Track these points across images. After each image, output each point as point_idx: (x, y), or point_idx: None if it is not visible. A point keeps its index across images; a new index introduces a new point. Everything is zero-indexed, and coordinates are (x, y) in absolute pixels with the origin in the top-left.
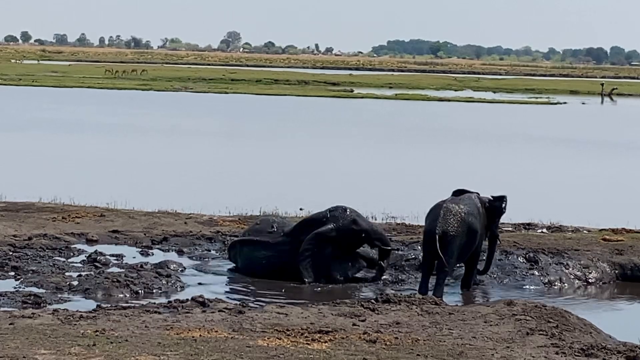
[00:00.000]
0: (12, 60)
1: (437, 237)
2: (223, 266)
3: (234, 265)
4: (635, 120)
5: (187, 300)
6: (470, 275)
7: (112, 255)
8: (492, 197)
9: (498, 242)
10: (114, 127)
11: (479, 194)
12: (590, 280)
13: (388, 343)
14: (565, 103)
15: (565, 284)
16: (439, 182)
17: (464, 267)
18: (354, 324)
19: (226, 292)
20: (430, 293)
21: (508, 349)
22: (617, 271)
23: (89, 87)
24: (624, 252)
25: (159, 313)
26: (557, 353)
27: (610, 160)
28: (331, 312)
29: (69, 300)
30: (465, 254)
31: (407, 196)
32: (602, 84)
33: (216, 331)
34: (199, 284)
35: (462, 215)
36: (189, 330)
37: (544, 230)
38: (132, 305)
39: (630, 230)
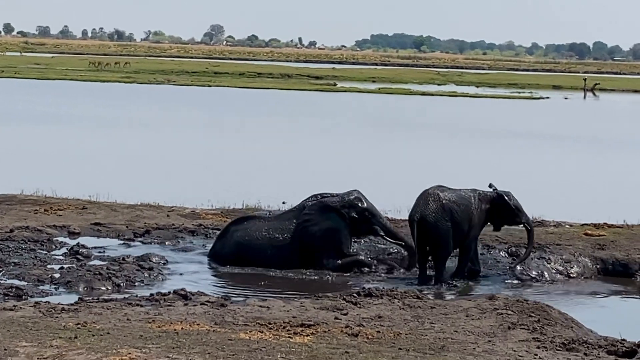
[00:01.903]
0: None
1: (415, 222)
2: (205, 259)
3: (219, 256)
4: (618, 116)
5: (169, 293)
6: (462, 266)
7: (94, 248)
8: (497, 193)
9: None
10: (96, 120)
11: (477, 190)
12: (572, 275)
13: (370, 337)
14: (547, 98)
15: (547, 279)
16: (421, 175)
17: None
18: (336, 318)
19: (208, 285)
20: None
21: (490, 343)
22: (598, 266)
23: (71, 79)
24: (605, 247)
25: (141, 306)
26: (538, 347)
27: (593, 155)
28: (313, 306)
29: (51, 293)
30: (454, 242)
31: (390, 189)
32: (585, 79)
33: (198, 324)
34: (181, 276)
35: (443, 202)
36: (171, 323)
37: None
38: (114, 298)
39: (612, 225)
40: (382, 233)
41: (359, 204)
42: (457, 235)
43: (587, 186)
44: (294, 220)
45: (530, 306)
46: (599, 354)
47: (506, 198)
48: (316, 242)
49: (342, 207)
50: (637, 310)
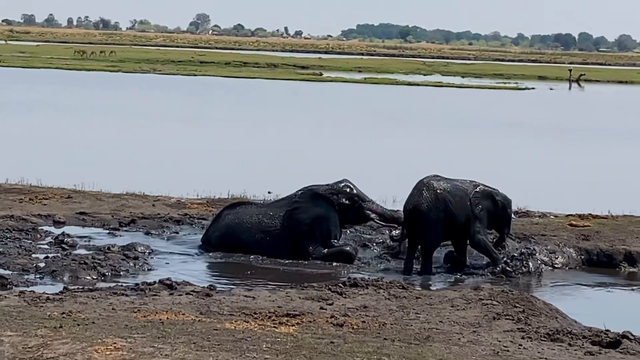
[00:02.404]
0: None
1: (407, 211)
2: (191, 249)
3: (210, 240)
4: (603, 107)
5: (155, 282)
6: (493, 261)
7: (80, 237)
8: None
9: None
10: (82, 109)
11: (478, 184)
12: (556, 266)
13: (355, 327)
14: (533, 88)
15: (532, 269)
16: (407, 166)
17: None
18: (321, 308)
19: (194, 274)
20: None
21: (474, 334)
22: (583, 256)
23: (57, 68)
24: (590, 238)
25: (126, 295)
26: (523, 338)
27: (578, 146)
28: (299, 296)
29: (36, 282)
30: (446, 234)
31: (376, 179)
32: (570, 70)
33: (183, 314)
34: (167, 266)
35: (438, 192)
36: (156, 312)
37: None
38: (99, 287)
39: (597, 215)
40: (373, 217)
41: (348, 190)
42: (452, 227)
43: (572, 177)
44: (285, 208)
45: (515, 297)
46: (583, 345)
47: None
48: (305, 229)
49: (332, 194)
50: (621, 300)
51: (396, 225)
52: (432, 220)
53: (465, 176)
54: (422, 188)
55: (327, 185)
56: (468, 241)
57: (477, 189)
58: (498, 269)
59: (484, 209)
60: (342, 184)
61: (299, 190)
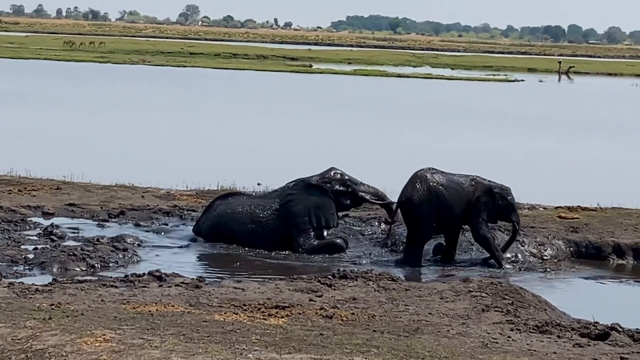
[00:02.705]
0: None
1: (400, 203)
2: (180, 240)
3: (201, 229)
4: (592, 99)
5: (144, 274)
6: (495, 258)
7: (69, 229)
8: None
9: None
10: (71, 100)
11: (475, 177)
12: (545, 257)
13: (344, 319)
14: (522, 81)
15: (521, 261)
16: (396, 156)
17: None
18: (310, 300)
19: (183, 266)
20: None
21: (464, 325)
22: (572, 248)
23: (46, 59)
24: (579, 230)
25: (116, 287)
26: (512, 329)
27: (567, 138)
28: (288, 288)
29: (25, 274)
30: (438, 227)
31: (365, 171)
32: (560, 62)
33: (173, 306)
34: (156, 258)
35: (431, 185)
36: (146, 304)
37: None
38: (88, 279)
39: (586, 207)
40: (368, 197)
41: (340, 177)
42: (446, 221)
43: (561, 169)
44: (277, 200)
45: (504, 289)
46: (571, 337)
47: (504, 193)
48: (301, 220)
49: (324, 183)
50: (610, 292)
51: (391, 205)
52: (424, 213)
53: (454, 168)
54: (416, 180)
55: (317, 175)
56: (472, 235)
57: (474, 183)
58: (501, 270)
59: (483, 203)
60: (332, 172)
61: (291, 182)
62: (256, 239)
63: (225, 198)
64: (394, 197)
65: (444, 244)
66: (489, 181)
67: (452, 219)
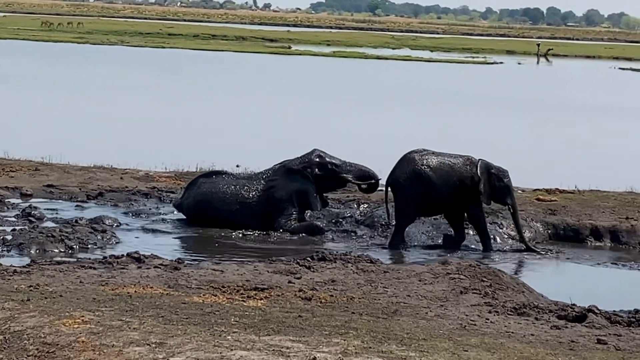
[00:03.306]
0: None
1: (387, 184)
2: (159, 222)
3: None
4: (570, 81)
5: (123, 256)
6: (484, 241)
7: (47, 210)
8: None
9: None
10: (49, 80)
11: (470, 158)
12: None
13: (323, 301)
14: (501, 63)
15: (499, 244)
16: (374, 138)
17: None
18: (289, 282)
19: (162, 248)
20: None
21: (442, 307)
22: (550, 231)
23: (23, 39)
24: (557, 212)
25: (94, 269)
26: (490, 312)
27: (545, 121)
28: (267, 269)
29: (3, 255)
30: (426, 209)
31: (344, 152)
32: (538, 45)
33: (151, 287)
34: (135, 239)
35: (417, 167)
36: (124, 286)
37: None
38: (67, 260)
39: (564, 190)
40: (350, 178)
41: (320, 160)
42: (435, 203)
43: (539, 151)
44: (262, 182)
45: (482, 271)
46: (549, 319)
47: (501, 175)
48: (284, 205)
49: (305, 168)
50: (588, 275)
51: (372, 182)
52: (409, 195)
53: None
54: (404, 162)
55: (299, 158)
56: (467, 215)
57: (469, 162)
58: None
59: (476, 179)
60: (314, 155)
61: (276, 165)
62: (238, 220)
63: (210, 176)
64: (382, 177)
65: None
66: (486, 161)
67: (442, 200)
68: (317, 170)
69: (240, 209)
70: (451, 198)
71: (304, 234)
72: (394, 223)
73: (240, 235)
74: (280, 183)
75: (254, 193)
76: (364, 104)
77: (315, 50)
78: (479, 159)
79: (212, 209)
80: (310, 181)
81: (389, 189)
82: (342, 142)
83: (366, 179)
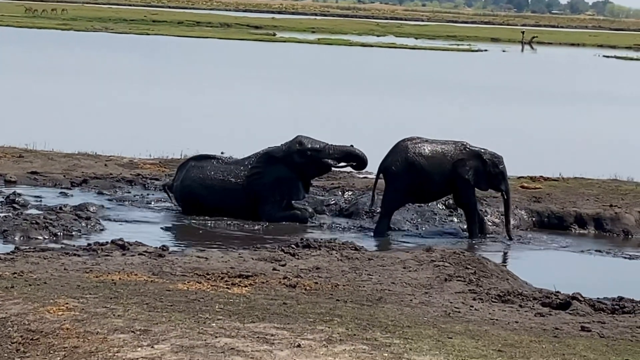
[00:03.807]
0: None
1: (379, 171)
2: (143, 209)
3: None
4: (554, 69)
5: (107, 243)
6: (471, 227)
7: (31, 197)
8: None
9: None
10: (32, 67)
11: (464, 144)
12: None
13: (308, 288)
14: (486, 50)
15: (484, 231)
16: (358, 125)
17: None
18: (274, 269)
19: (146, 235)
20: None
21: (426, 295)
22: (534, 218)
23: (7, 25)
24: (541, 200)
25: (78, 256)
26: (474, 299)
27: (529, 108)
28: (251, 257)
29: None
30: (419, 196)
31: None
32: (523, 32)
33: (136, 274)
34: (119, 226)
35: (409, 155)
36: (109, 273)
37: None
38: (51, 247)
39: (548, 178)
40: (333, 163)
41: (301, 147)
42: (426, 190)
43: (523, 139)
44: (247, 169)
45: (466, 258)
46: (533, 306)
47: (496, 161)
48: (266, 194)
49: (287, 156)
50: (572, 262)
51: (354, 164)
52: (398, 182)
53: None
54: (397, 150)
55: (281, 146)
56: (454, 200)
57: (463, 150)
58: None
59: (472, 170)
60: (295, 143)
61: (258, 153)
62: (224, 205)
63: (200, 160)
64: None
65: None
66: (480, 148)
67: (434, 187)
68: (298, 158)
69: (225, 195)
70: (445, 185)
71: (288, 223)
72: (378, 210)
73: (225, 222)
74: (263, 171)
75: (239, 179)
76: (348, 91)
77: (299, 38)
78: (470, 145)
79: (199, 194)
80: (293, 170)
81: (380, 175)
82: (327, 128)
83: (351, 158)
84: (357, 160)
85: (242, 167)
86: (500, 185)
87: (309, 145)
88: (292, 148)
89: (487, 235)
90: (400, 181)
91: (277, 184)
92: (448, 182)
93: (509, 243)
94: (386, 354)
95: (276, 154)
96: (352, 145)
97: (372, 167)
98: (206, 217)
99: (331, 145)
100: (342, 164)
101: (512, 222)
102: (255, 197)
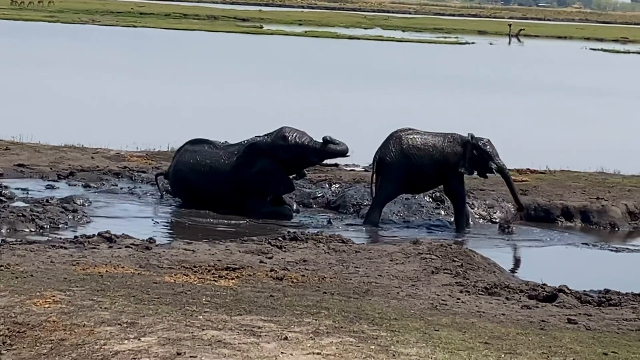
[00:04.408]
0: None
1: (374, 161)
2: (130, 201)
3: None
4: (541, 62)
5: (94, 235)
6: (458, 218)
7: (18, 189)
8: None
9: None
10: (19, 59)
11: (452, 134)
12: (494, 220)
13: (295, 280)
14: (473, 43)
15: (471, 224)
16: (345, 118)
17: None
18: (261, 261)
19: (133, 227)
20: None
21: (413, 287)
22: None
23: None
24: (528, 193)
25: (65, 248)
26: (461, 291)
27: (516, 101)
28: (238, 249)
29: None
30: (412, 187)
31: (315, 131)
32: (510, 25)
33: (123, 267)
34: (106, 219)
35: (403, 146)
36: (95, 265)
37: None
38: (38, 240)
39: (535, 170)
40: (317, 160)
41: (287, 143)
42: (420, 181)
43: (510, 132)
44: (234, 157)
45: (453, 251)
46: (520, 298)
47: (479, 143)
48: (249, 184)
49: (272, 150)
50: (559, 255)
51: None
52: (392, 173)
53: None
54: (390, 140)
55: (266, 137)
56: (444, 190)
57: (450, 139)
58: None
59: (459, 156)
60: (280, 135)
61: (244, 142)
62: (212, 191)
63: (193, 144)
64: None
65: None
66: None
67: (426, 179)
68: (282, 153)
69: (214, 181)
70: (437, 175)
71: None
72: (365, 203)
73: (212, 214)
74: (248, 162)
75: (227, 167)
76: (335, 84)
77: (287, 30)
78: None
79: (188, 180)
80: (277, 163)
81: (375, 166)
82: (313, 120)
83: (333, 155)
84: (339, 156)
85: (230, 154)
86: (490, 164)
87: (293, 141)
88: (276, 142)
89: (474, 228)
90: (395, 172)
91: (261, 176)
92: (440, 172)
93: (497, 236)
94: (373, 346)
95: (262, 146)
96: (329, 137)
97: (365, 159)
98: (194, 209)
99: (315, 141)
100: (325, 160)
101: (498, 214)
102: (240, 187)
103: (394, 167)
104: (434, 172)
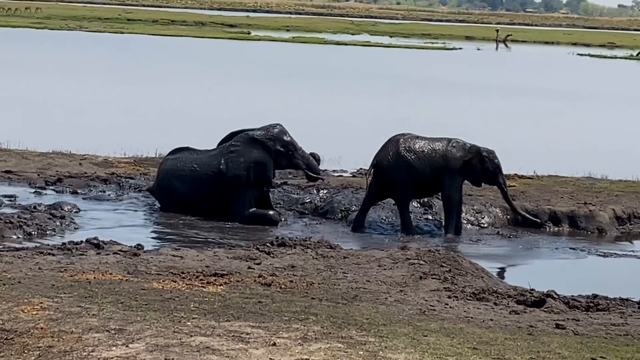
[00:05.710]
0: None
1: (373, 166)
2: (118, 208)
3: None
4: (529, 67)
5: (82, 242)
6: (448, 221)
7: (5, 196)
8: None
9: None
10: (6, 65)
11: (455, 140)
12: (483, 225)
13: (283, 286)
14: (460, 49)
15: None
16: (333, 124)
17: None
18: (249, 267)
19: (121, 234)
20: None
21: (401, 293)
22: (509, 216)
23: None
24: (515, 198)
25: (53, 255)
26: (449, 297)
27: (504, 106)
28: (226, 255)
29: None
30: (414, 191)
31: (302, 137)
32: (497, 30)
33: (110, 273)
34: (94, 225)
35: (400, 151)
36: (83, 272)
37: None
38: (25, 246)
39: (522, 176)
40: (303, 167)
41: (284, 137)
42: (420, 185)
43: (498, 137)
44: (219, 157)
45: (441, 256)
46: (508, 304)
47: (494, 159)
48: (240, 173)
49: (268, 140)
50: (546, 260)
51: (321, 179)
52: (397, 177)
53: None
54: (389, 145)
55: (261, 129)
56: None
57: (452, 146)
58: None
59: (461, 164)
60: (277, 129)
61: (234, 133)
62: (196, 197)
63: (173, 153)
64: (340, 163)
65: None
66: (472, 144)
67: (425, 184)
68: (278, 146)
69: (197, 186)
70: (436, 181)
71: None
72: (353, 209)
73: (200, 220)
74: (241, 150)
75: (211, 168)
76: (323, 90)
77: (274, 36)
78: (462, 141)
79: (173, 187)
80: (270, 154)
81: (373, 170)
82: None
83: (312, 170)
84: (314, 173)
85: (212, 157)
86: (496, 180)
87: (289, 138)
88: (274, 134)
89: (462, 233)
90: (396, 175)
91: (253, 165)
92: (438, 178)
93: (484, 241)
94: (361, 352)
95: (257, 136)
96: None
97: (352, 165)
98: (181, 216)
99: (304, 152)
100: (308, 173)
101: (486, 220)
102: (230, 180)
103: (395, 171)
104: (433, 176)
